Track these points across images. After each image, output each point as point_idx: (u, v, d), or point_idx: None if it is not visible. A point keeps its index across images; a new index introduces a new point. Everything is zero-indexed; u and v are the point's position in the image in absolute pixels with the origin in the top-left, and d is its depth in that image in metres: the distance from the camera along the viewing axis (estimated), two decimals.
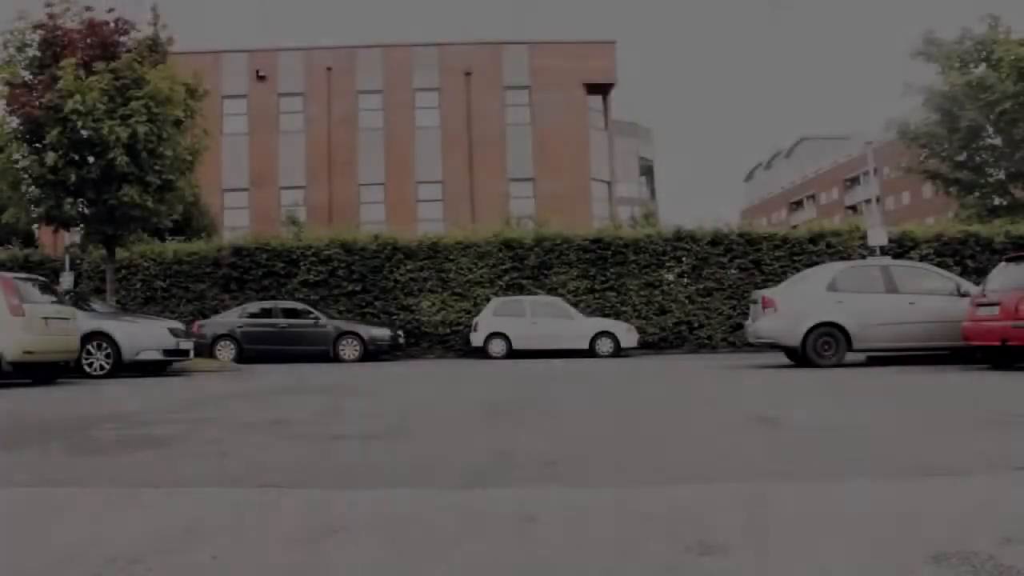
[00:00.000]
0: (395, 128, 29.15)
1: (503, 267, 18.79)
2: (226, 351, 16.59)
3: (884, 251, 17.47)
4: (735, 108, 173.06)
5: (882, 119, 41.77)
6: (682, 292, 18.67)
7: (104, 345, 11.75)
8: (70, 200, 13.76)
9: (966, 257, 18.45)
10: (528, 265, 18.76)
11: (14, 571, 1.88)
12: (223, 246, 19.17)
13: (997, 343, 9.34)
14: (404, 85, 29.34)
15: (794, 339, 10.97)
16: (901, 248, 18.46)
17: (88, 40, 13.72)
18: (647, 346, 18.39)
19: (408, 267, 18.88)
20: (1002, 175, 21.68)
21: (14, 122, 13.64)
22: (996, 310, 9.39)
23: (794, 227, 21.41)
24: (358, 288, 18.79)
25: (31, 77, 13.80)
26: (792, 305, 11.19)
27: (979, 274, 16.83)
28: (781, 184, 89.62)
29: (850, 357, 12.20)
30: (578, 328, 16.81)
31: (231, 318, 17.00)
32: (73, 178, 13.39)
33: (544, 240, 18.89)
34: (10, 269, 16.87)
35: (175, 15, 15.77)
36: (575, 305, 18.03)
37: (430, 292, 18.81)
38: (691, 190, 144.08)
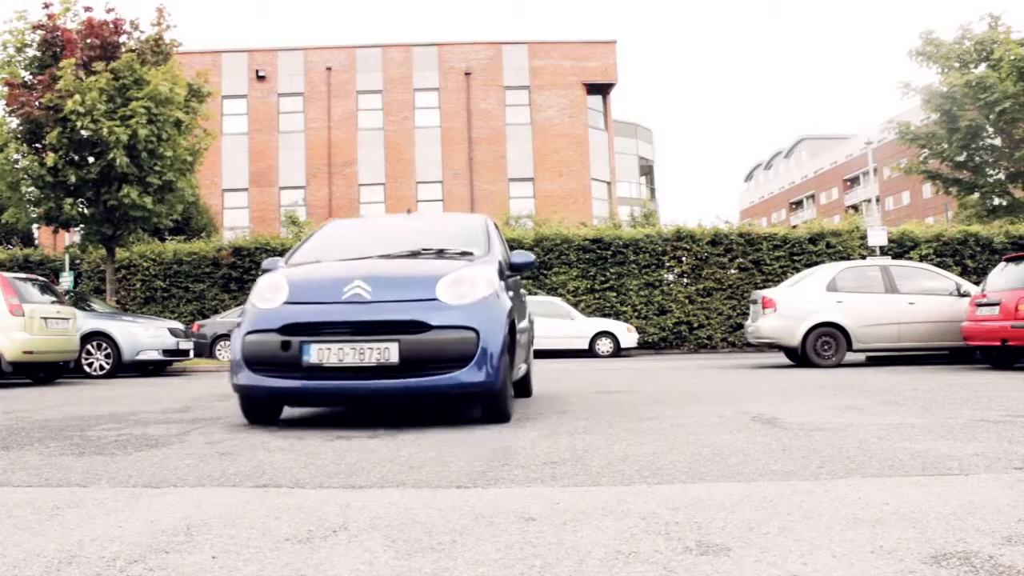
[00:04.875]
0: (395, 128, 29.16)
1: None
2: (226, 351, 16.60)
3: (884, 251, 17.47)
4: (735, 108, 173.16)
5: (882, 119, 41.77)
6: (682, 292, 18.68)
7: (104, 345, 11.77)
8: (70, 200, 13.77)
9: (966, 257, 18.47)
10: None
11: (14, 571, 1.88)
12: (223, 246, 19.17)
13: (997, 343, 9.35)
14: (404, 85, 29.36)
15: (794, 339, 10.98)
16: (901, 248, 18.47)
17: (88, 40, 13.73)
18: (647, 346, 18.40)
19: None
20: (1002, 175, 21.67)
21: (14, 122, 13.66)
22: (996, 310, 9.40)
23: (794, 227, 21.39)
24: None
25: (31, 77, 13.82)
26: (792, 305, 11.20)
27: (979, 274, 16.85)
28: (781, 184, 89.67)
29: (850, 357, 12.21)
30: (578, 328, 16.81)
31: (231, 318, 17.00)
32: (73, 178, 13.39)
33: (544, 240, 18.89)
34: (10, 269, 16.89)
35: (175, 15, 15.83)
36: (575, 305, 18.03)
37: None
38: (691, 190, 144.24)
